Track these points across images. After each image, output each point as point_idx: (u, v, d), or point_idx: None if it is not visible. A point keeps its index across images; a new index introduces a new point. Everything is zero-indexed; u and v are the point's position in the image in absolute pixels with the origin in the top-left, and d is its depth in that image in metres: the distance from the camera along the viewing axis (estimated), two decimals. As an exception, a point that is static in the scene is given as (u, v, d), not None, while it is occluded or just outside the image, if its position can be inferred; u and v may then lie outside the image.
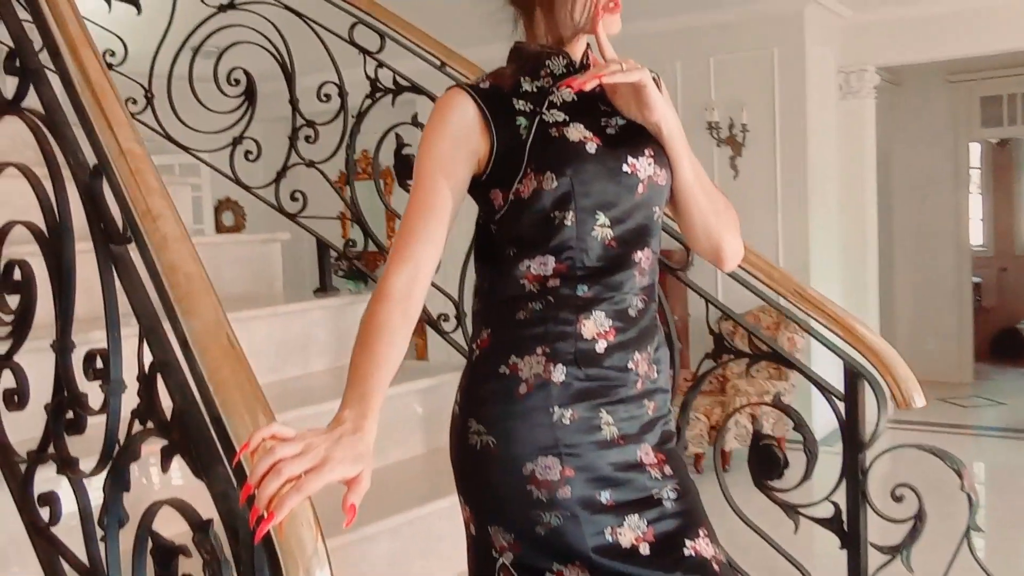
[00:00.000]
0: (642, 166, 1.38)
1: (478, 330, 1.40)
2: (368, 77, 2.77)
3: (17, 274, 1.55)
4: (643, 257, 1.39)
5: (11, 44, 1.60)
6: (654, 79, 1.54)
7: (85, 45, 1.45)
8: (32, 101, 1.59)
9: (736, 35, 5.96)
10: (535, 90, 1.41)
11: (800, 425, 1.98)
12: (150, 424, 1.27)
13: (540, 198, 1.33)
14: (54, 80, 1.58)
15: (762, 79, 5.94)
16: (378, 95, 2.77)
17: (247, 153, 2.94)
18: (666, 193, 1.44)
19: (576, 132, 1.36)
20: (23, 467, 1.58)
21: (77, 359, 1.44)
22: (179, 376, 1.23)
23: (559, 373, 1.31)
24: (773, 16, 5.81)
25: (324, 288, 2.90)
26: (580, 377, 1.32)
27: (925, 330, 7.91)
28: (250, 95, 2.92)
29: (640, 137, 1.40)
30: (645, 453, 1.38)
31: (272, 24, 2.88)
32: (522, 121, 1.36)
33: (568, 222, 1.33)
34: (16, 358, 1.58)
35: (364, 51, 2.77)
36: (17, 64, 1.57)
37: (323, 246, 2.93)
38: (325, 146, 2.86)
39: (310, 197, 2.94)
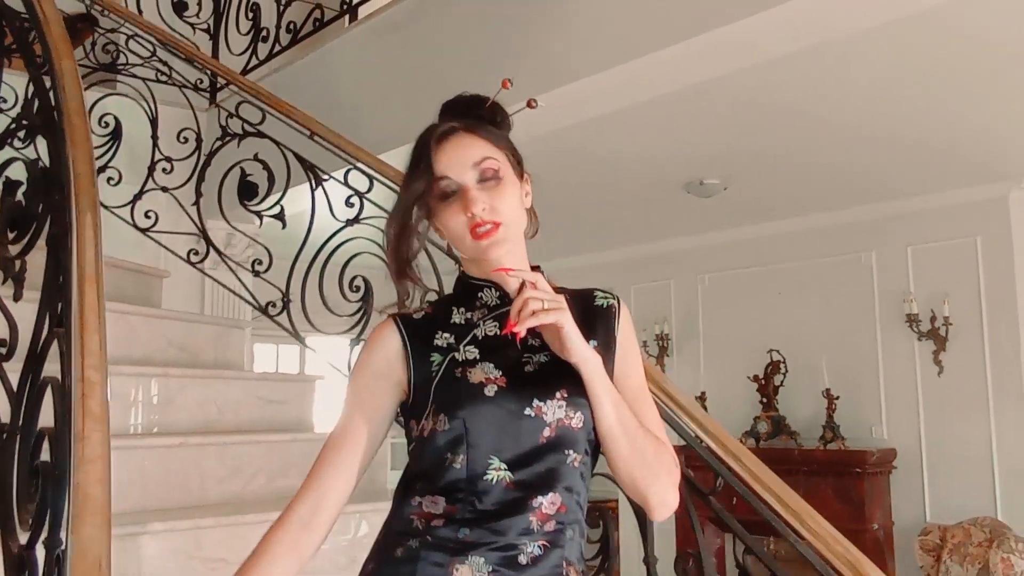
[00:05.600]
0: (550, 409, 1.34)
1: (366, 562, 1.40)
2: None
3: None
4: (547, 503, 1.33)
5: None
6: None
7: (92, 281, 1.69)
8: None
9: (935, 223, 5.64)
10: (463, 322, 1.42)
11: None
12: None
13: (435, 438, 1.34)
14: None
15: (965, 269, 5.54)
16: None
17: (362, 354, 3.15)
18: (584, 437, 1.37)
19: (480, 373, 1.35)
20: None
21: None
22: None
23: None
24: (974, 203, 5.46)
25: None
26: None
27: None
28: (366, 301, 3.16)
29: (558, 378, 1.36)
30: None
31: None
32: (436, 357, 1.38)
33: (458, 464, 1.32)
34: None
35: (459, 262, 2.94)
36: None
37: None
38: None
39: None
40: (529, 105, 1.47)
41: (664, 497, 1.40)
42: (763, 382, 6.29)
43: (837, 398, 5.88)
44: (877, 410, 5.87)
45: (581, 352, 1.33)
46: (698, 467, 2.14)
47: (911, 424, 5.72)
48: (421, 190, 1.38)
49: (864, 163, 5.02)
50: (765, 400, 6.26)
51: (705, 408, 6.31)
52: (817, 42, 3.05)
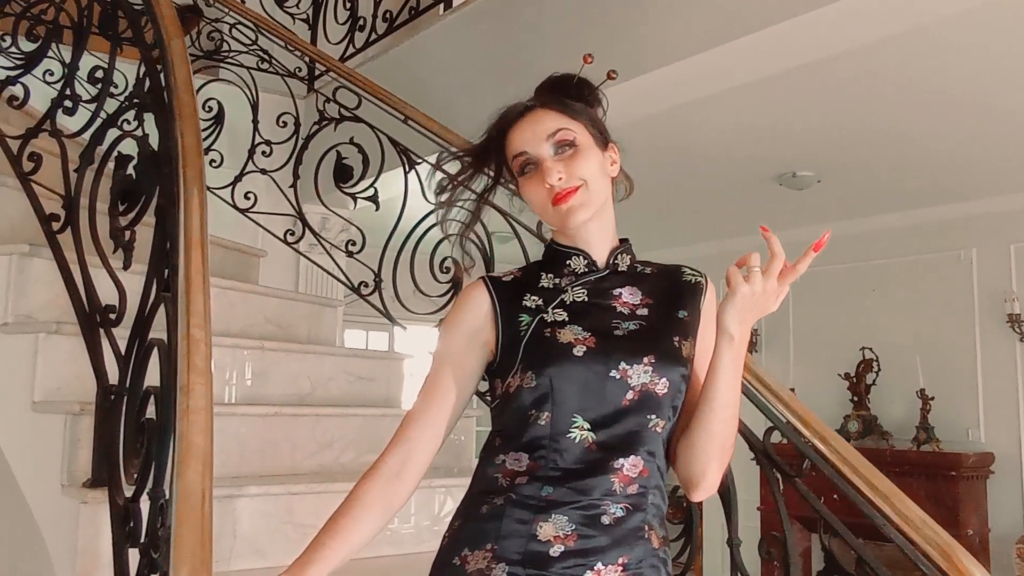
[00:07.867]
0: (635, 373, 1.36)
1: (453, 520, 1.44)
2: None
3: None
4: (628, 464, 1.35)
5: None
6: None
7: (198, 246, 1.77)
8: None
9: (1040, 220, 5.45)
10: (551, 286, 1.46)
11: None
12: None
13: (521, 395, 1.37)
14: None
15: (1072, 267, 5.33)
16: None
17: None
18: (668, 403, 1.39)
19: (569, 334, 1.37)
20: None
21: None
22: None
23: (500, 571, 1.30)
24: (1084, 199, 5.26)
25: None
26: None
27: None
28: (457, 284, 3.21)
29: (648, 343, 1.39)
30: None
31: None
32: (524, 318, 1.42)
33: (543, 421, 1.35)
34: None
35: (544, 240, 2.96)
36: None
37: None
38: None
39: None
40: (609, 76, 1.51)
41: (715, 481, 1.44)
42: (854, 380, 6.16)
43: (932, 399, 5.72)
44: (974, 412, 5.69)
45: (741, 324, 1.36)
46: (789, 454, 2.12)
47: (1011, 427, 5.53)
48: (494, 164, 1.47)
49: (966, 156, 4.87)
50: (856, 399, 6.13)
51: (793, 405, 6.19)
52: (916, 24, 2.96)
